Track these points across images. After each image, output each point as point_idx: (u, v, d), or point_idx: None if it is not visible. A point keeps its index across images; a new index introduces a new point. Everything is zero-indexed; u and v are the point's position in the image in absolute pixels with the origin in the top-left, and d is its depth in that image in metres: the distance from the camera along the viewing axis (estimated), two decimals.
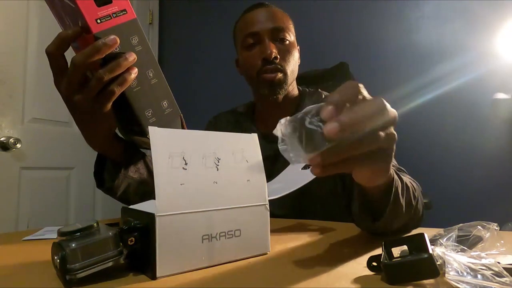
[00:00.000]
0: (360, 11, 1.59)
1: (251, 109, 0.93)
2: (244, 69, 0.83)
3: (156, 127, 0.33)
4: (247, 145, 0.40)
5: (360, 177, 0.36)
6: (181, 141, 0.35)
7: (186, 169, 0.34)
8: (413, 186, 0.52)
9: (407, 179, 0.53)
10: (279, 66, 0.77)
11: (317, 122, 0.26)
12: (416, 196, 0.52)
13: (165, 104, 0.51)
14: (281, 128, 0.28)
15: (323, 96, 0.87)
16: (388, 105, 0.29)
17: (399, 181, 0.45)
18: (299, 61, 0.86)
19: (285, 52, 0.78)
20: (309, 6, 1.69)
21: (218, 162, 0.37)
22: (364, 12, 1.58)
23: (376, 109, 0.28)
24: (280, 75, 0.77)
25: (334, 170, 0.29)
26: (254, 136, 0.41)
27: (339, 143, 0.26)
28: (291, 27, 0.82)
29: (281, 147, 0.28)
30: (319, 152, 0.27)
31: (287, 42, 0.79)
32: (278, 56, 0.76)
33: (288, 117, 0.28)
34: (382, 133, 0.29)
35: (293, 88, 0.85)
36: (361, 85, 0.30)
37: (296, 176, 0.53)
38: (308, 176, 0.51)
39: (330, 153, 0.27)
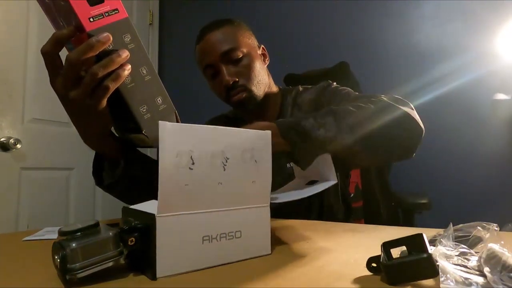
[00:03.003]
0: (360, 11, 1.59)
1: (239, 114, 0.94)
2: (217, 96, 0.86)
3: (166, 122, 0.32)
4: (259, 143, 0.39)
5: None
6: (190, 137, 0.33)
7: (192, 169, 0.33)
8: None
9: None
10: (241, 87, 0.79)
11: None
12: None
13: (159, 100, 0.51)
14: None
15: (300, 89, 0.90)
16: None
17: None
18: (267, 61, 0.88)
19: (243, 69, 0.79)
20: (309, 6, 1.69)
21: (226, 162, 0.36)
22: (364, 12, 1.58)
23: None
24: (245, 94, 0.79)
25: None
26: (268, 134, 0.40)
27: None
28: (242, 39, 0.81)
29: None
30: None
31: (242, 58, 0.79)
32: (237, 79, 0.78)
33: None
34: None
35: (270, 90, 0.87)
36: None
37: (298, 190, 0.53)
38: (310, 191, 0.51)
39: None
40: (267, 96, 0.84)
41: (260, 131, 0.40)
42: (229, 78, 0.77)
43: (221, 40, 0.79)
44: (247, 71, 0.79)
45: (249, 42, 0.83)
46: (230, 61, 0.79)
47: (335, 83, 0.86)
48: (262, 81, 0.82)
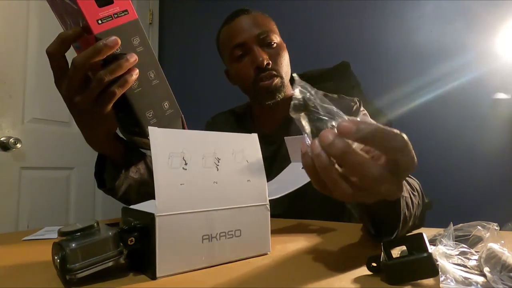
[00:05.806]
0: (360, 11, 1.59)
1: (249, 110, 0.92)
2: (238, 81, 0.82)
3: (155, 127, 0.33)
4: (247, 145, 0.40)
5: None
6: (181, 141, 0.35)
7: (186, 169, 0.34)
8: (412, 192, 0.51)
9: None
10: (273, 72, 0.76)
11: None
12: (415, 202, 0.50)
13: (166, 105, 0.50)
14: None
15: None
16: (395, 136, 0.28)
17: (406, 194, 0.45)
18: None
19: (276, 55, 0.77)
20: (309, 6, 1.69)
21: (218, 162, 0.37)
22: (364, 12, 1.58)
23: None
24: (276, 80, 0.76)
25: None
26: (254, 136, 0.41)
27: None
28: (275, 28, 0.81)
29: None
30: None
31: (275, 44, 0.78)
32: (270, 62, 0.75)
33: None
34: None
35: (288, 88, 0.83)
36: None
37: (295, 176, 0.53)
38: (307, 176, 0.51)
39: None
40: (285, 93, 0.80)
41: (247, 134, 0.40)
42: (264, 57, 0.74)
43: (256, 23, 0.77)
44: (280, 59, 0.77)
45: (279, 35, 0.82)
46: (264, 45, 0.77)
47: (362, 108, 0.80)
48: (288, 74, 0.80)
